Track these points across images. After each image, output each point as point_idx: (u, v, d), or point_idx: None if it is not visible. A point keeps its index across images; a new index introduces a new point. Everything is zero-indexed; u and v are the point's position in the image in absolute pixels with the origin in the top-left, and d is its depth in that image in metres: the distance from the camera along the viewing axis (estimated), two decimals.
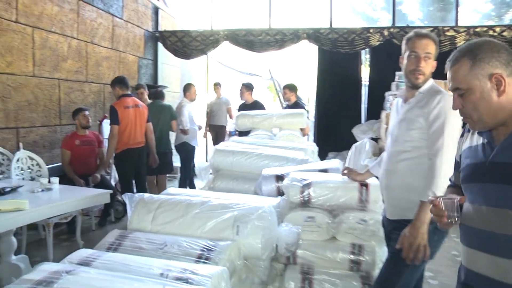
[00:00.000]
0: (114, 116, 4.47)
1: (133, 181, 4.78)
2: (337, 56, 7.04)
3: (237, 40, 7.21)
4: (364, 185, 2.51)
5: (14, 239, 3.06)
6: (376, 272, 2.41)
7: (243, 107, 5.99)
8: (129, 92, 4.69)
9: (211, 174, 3.72)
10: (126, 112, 4.52)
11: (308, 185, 2.57)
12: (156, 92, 5.92)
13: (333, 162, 3.25)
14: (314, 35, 6.96)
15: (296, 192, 2.57)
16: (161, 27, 7.76)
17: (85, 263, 1.77)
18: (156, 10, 7.72)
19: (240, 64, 9.61)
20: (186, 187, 5.87)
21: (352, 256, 2.47)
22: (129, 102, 4.59)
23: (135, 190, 4.73)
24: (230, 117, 6.92)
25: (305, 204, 2.59)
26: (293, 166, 3.19)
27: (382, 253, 2.47)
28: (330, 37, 6.92)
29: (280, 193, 2.84)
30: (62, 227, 4.54)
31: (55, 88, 5.14)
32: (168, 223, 2.23)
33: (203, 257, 1.89)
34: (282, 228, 2.22)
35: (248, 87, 6.14)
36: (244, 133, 5.03)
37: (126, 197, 2.46)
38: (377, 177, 2.34)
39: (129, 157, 4.63)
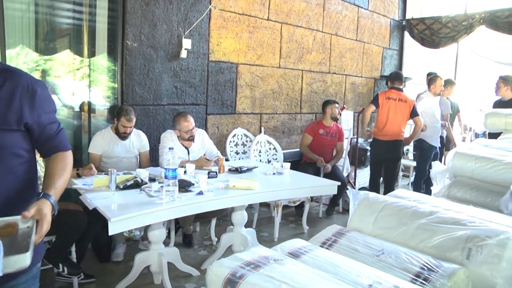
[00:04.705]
0: (375, 99, 4.89)
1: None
2: None
3: (496, 24, 6.05)
4: None
5: (245, 213, 3.38)
6: None
7: (498, 105, 5.04)
8: (400, 87, 4.89)
9: (447, 178, 3.26)
10: (386, 102, 4.78)
11: None
12: None
13: None
14: None
15: None
16: (408, 15, 7.27)
17: (296, 254, 1.75)
18: None
19: (496, 53, 8.05)
20: (420, 191, 5.42)
21: None
22: (393, 95, 4.80)
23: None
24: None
25: None
26: None
27: None
28: None
29: None
30: (291, 209, 4.83)
31: (298, 79, 5.48)
32: (389, 229, 2.02)
33: (421, 277, 1.61)
34: None
35: (506, 80, 5.14)
36: (494, 136, 4.20)
37: (350, 193, 2.37)
38: None
39: (377, 147, 4.93)
